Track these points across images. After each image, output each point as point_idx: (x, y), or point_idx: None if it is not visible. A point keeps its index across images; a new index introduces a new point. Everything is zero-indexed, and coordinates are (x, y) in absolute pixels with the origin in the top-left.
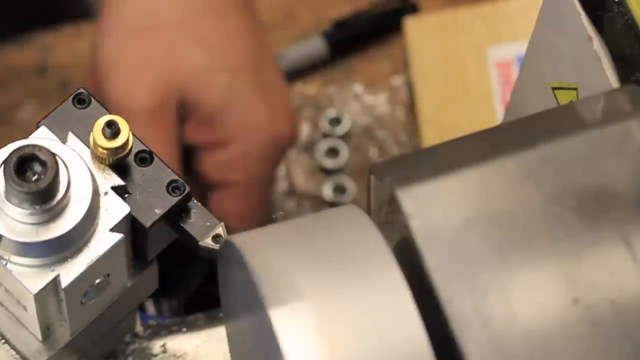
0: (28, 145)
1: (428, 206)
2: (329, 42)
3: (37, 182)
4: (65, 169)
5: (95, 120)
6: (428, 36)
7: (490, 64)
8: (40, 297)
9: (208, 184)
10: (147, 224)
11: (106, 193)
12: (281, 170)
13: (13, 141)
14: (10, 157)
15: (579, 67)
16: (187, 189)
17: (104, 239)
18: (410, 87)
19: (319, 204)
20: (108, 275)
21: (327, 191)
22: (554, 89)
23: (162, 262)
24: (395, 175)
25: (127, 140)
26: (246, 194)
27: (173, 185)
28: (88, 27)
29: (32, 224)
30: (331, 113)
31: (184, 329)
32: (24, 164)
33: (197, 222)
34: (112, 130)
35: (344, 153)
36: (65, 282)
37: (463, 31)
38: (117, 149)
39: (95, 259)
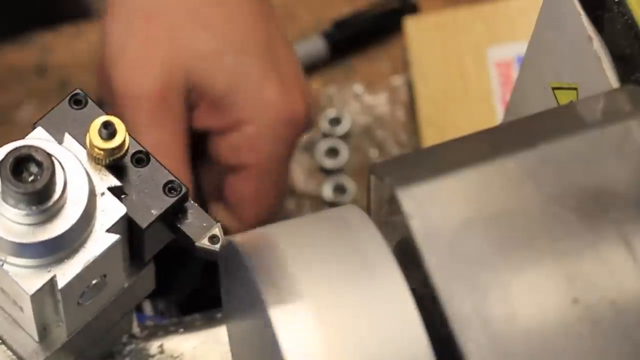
0: (24, 146)
1: (428, 206)
2: (329, 42)
3: (33, 182)
4: (61, 169)
5: (92, 121)
6: (428, 36)
7: (490, 64)
8: (36, 297)
9: (224, 168)
10: (144, 224)
11: (102, 194)
12: None
13: (11, 141)
14: (7, 158)
15: (579, 67)
16: (184, 189)
17: (101, 240)
18: (410, 87)
19: (319, 204)
20: (105, 276)
21: (327, 191)
22: (554, 89)
23: (159, 262)
24: (395, 175)
25: (124, 141)
26: (261, 176)
27: (169, 186)
28: (87, 27)
29: (29, 224)
30: (331, 113)
31: (181, 330)
32: (20, 165)
33: (193, 222)
34: (108, 131)
35: (344, 153)
36: (61, 282)
37: (463, 31)
38: (113, 149)
39: (91, 260)
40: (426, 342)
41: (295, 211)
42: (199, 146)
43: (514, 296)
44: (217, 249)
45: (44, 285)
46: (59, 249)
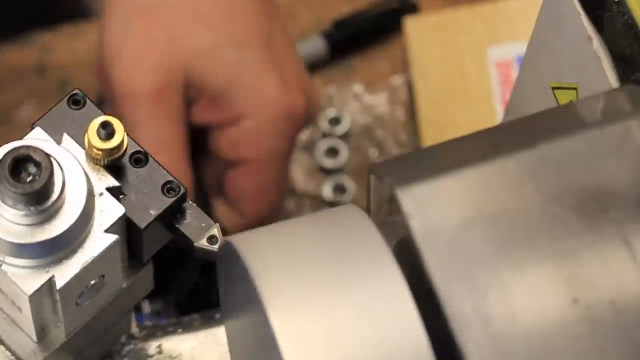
0: (23, 147)
1: (428, 206)
2: (329, 42)
3: (32, 183)
4: (60, 170)
5: (91, 122)
6: (428, 36)
7: (490, 64)
8: (35, 298)
9: (224, 163)
10: (142, 225)
11: (101, 194)
12: None
13: (10, 142)
14: (5, 159)
15: (579, 67)
16: (183, 190)
17: (99, 241)
18: (410, 87)
19: (319, 204)
20: (103, 276)
21: (327, 191)
22: (554, 89)
23: (157, 262)
24: (395, 175)
25: (122, 141)
26: (261, 170)
27: (168, 186)
28: (87, 27)
29: (27, 225)
30: (331, 113)
31: (180, 330)
32: (18, 165)
33: (192, 223)
34: (107, 131)
35: (344, 153)
36: (60, 283)
37: (463, 31)
38: (112, 150)
39: (90, 261)
40: (426, 342)
41: (295, 211)
42: (199, 141)
43: (514, 296)
44: (216, 250)
45: (42, 285)
46: (57, 249)
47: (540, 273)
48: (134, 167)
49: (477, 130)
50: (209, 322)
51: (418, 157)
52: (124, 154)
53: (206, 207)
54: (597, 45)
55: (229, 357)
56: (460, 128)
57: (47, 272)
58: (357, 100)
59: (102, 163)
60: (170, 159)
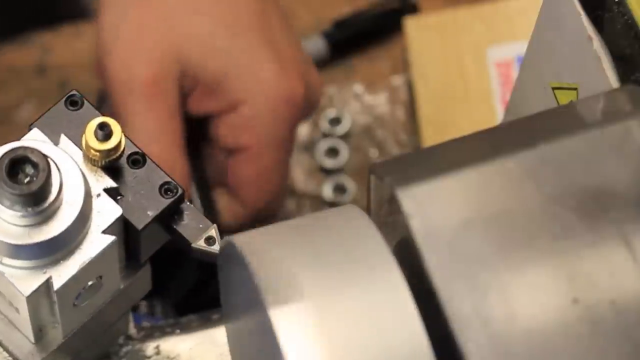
0: (20, 147)
1: (428, 206)
2: (329, 42)
3: (29, 184)
4: (57, 171)
5: (88, 122)
6: (428, 36)
7: (490, 64)
8: (32, 299)
9: (225, 151)
10: (140, 226)
11: (98, 195)
12: None
13: (8, 142)
14: (2, 159)
15: (579, 67)
16: (180, 191)
17: (96, 241)
18: (410, 87)
19: (319, 204)
20: (100, 277)
21: (327, 191)
22: (554, 89)
23: (155, 263)
24: (395, 175)
25: (120, 142)
26: (260, 156)
27: (165, 187)
28: (87, 27)
29: (24, 226)
30: (331, 113)
31: (178, 331)
32: (15, 166)
33: (189, 224)
34: (104, 132)
35: (344, 153)
36: (57, 284)
37: (463, 31)
38: (109, 151)
39: (87, 261)
40: (426, 342)
41: (295, 211)
42: (201, 133)
43: (514, 296)
44: (213, 250)
45: (39, 286)
46: (54, 250)
47: (540, 273)
48: (131, 167)
49: (477, 130)
50: (207, 323)
51: (418, 157)
52: (121, 155)
53: (209, 200)
54: (597, 45)
55: (226, 357)
56: (460, 128)
57: (45, 272)
58: (357, 100)
59: (100, 164)
60: (165, 149)
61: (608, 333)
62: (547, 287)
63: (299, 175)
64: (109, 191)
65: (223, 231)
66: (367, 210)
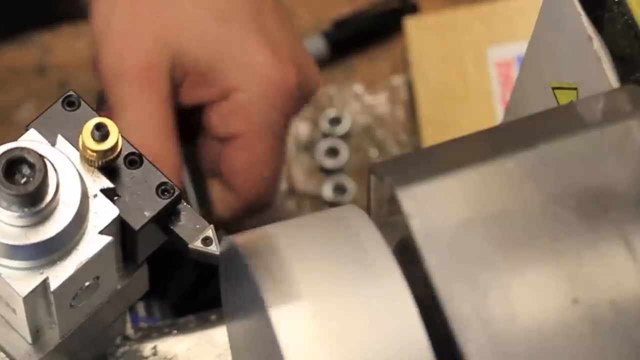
0: (17, 148)
1: (428, 206)
2: (329, 42)
3: (25, 184)
4: (54, 171)
5: (85, 123)
6: (428, 36)
7: (490, 64)
8: (29, 299)
9: (218, 140)
10: (137, 226)
11: (95, 195)
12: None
13: (5, 143)
14: None
15: (579, 67)
16: (177, 191)
17: (93, 242)
18: (410, 87)
19: (319, 204)
20: (97, 277)
21: (327, 191)
22: (554, 89)
23: (152, 264)
24: (395, 175)
25: (117, 142)
26: (253, 144)
27: (162, 187)
28: (86, 27)
29: (21, 226)
30: (331, 113)
31: (175, 331)
32: (12, 167)
33: (186, 224)
34: (101, 132)
35: (344, 153)
36: (54, 284)
37: (463, 31)
38: (106, 151)
39: (84, 262)
40: (426, 343)
41: (295, 211)
42: (195, 124)
43: (514, 296)
44: (210, 251)
45: (36, 287)
46: (51, 251)
47: (540, 273)
48: (128, 168)
49: (477, 130)
50: (204, 323)
51: (418, 157)
52: (118, 155)
53: (204, 192)
54: (597, 45)
55: (224, 358)
56: (460, 128)
57: (41, 273)
58: (357, 100)
59: (96, 164)
60: (156, 138)
61: (608, 333)
62: (547, 287)
63: (299, 175)
64: (105, 192)
65: (218, 222)
66: (367, 210)
